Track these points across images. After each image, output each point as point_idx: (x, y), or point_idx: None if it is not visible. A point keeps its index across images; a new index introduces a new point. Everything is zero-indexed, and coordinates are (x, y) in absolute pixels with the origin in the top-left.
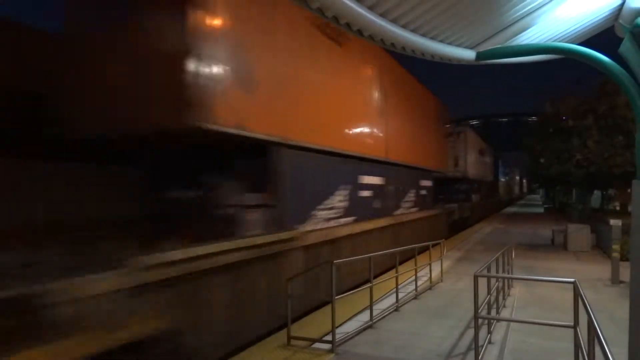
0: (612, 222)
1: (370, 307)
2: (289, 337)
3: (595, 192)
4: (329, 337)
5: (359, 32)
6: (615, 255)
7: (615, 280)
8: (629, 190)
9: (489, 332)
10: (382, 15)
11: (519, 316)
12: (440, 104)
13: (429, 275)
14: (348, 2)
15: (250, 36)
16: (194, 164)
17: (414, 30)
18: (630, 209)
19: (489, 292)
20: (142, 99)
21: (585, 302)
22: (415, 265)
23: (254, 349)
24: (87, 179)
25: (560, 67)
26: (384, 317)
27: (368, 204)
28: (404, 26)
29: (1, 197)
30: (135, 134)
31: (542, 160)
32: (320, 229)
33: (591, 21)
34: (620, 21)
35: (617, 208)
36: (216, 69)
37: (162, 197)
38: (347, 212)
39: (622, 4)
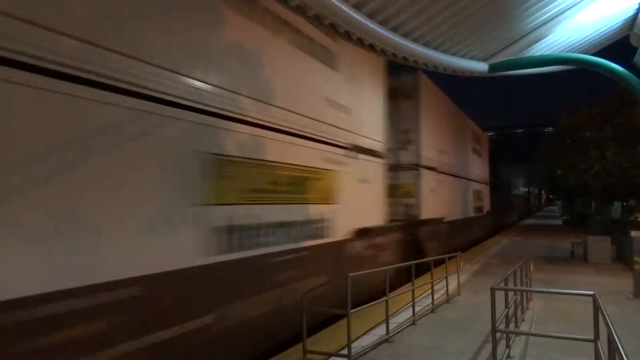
0: (633, 233)
1: (387, 320)
2: (305, 351)
3: (615, 203)
4: (345, 351)
5: (371, 47)
6: (637, 267)
7: (637, 293)
8: None
9: (508, 346)
10: (394, 29)
11: (538, 330)
12: None
13: (445, 288)
14: (360, 18)
15: None
16: None
17: (426, 44)
18: None
19: (506, 306)
20: None
21: (606, 315)
22: (432, 278)
23: None
24: None
25: (577, 76)
26: (400, 330)
27: None
28: (415, 40)
29: None
30: None
31: (559, 172)
32: None
33: (605, 31)
34: (635, 31)
35: (639, 219)
36: None
37: None
38: None
39: (637, 14)
